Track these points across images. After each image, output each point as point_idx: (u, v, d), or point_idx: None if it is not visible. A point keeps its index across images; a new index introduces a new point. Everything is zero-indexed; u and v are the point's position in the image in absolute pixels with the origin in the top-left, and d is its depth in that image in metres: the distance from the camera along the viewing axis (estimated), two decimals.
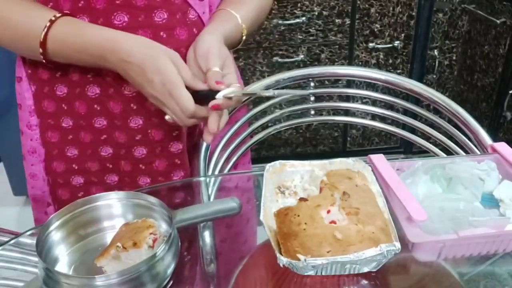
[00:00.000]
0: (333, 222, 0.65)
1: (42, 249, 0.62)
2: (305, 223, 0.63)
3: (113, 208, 0.70)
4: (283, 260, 0.59)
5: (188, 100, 0.72)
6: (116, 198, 0.70)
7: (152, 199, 0.68)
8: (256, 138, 1.17)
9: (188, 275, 0.68)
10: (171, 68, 0.72)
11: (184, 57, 0.81)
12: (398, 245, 0.59)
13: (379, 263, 0.61)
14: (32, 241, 0.65)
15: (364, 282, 0.62)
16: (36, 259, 0.60)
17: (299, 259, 0.59)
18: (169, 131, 0.88)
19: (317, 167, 0.76)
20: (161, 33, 0.80)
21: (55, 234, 0.66)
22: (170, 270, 0.61)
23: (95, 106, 0.84)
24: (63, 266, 0.65)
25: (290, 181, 0.75)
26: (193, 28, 0.84)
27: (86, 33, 0.75)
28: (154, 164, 0.90)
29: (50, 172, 0.91)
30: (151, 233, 0.64)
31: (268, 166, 0.75)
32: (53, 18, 0.75)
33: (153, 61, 0.72)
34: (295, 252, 0.60)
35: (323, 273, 0.61)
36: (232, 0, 0.88)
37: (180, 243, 0.64)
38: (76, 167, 0.89)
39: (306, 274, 0.61)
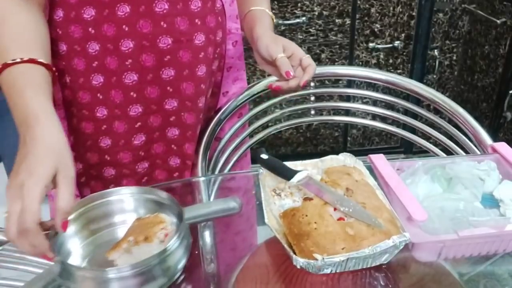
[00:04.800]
0: (341, 219, 0.65)
1: (56, 243, 0.62)
2: (315, 222, 0.64)
3: (125, 203, 0.71)
4: (300, 261, 0.59)
5: (37, 196, 0.55)
6: (129, 193, 0.71)
7: (164, 194, 0.69)
8: (256, 137, 1.17)
9: (187, 275, 0.68)
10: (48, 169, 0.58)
11: (216, 41, 0.90)
12: (408, 235, 0.60)
13: (391, 255, 0.62)
14: None
15: (364, 281, 0.63)
16: (36, 259, 0.60)
17: (316, 259, 0.59)
18: (200, 115, 0.93)
19: (309, 166, 0.77)
20: (196, 20, 0.85)
21: (69, 228, 0.65)
22: (181, 265, 0.62)
23: (132, 93, 0.86)
24: (76, 259, 0.66)
25: (284, 182, 0.75)
26: (218, 16, 0.90)
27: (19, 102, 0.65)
28: (184, 147, 0.94)
29: (84, 163, 0.92)
30: (162, 228, 0.65)
31: (261, 169, 0.75)
32: (10, 62, 0.66)
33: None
34: (310, 252, 0.60)
35: (338, 270, 0.61)
36: None
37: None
38: (109, 158, 0.91)
39: (322, 273, 0.61)
